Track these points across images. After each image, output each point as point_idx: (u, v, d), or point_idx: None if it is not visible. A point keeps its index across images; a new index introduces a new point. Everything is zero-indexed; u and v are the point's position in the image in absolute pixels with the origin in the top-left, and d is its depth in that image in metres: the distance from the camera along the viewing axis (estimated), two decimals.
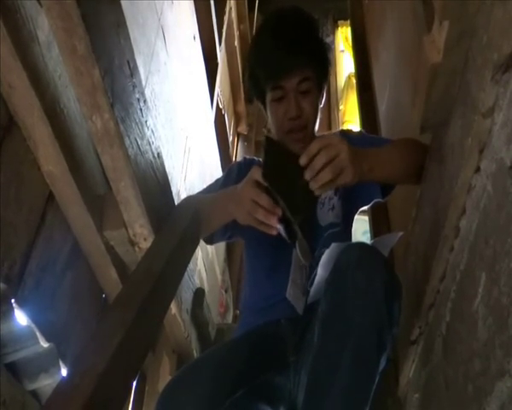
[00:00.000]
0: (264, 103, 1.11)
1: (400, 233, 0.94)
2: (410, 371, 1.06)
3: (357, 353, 0.77)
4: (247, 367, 0.92)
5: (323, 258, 0.91)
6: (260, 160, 1.11)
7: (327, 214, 1.13)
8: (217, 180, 1.24)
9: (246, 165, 1.21)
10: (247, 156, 1.34)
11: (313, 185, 0.83)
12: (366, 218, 1.91)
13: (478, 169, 0.71)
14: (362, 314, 0.78)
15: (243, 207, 0.89)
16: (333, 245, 0.89)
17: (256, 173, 0.89)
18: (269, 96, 1.06)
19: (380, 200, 1.19)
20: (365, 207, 1.32)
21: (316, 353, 0.81)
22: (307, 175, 0.84)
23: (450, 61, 0.78)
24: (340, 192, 1.14)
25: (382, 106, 1.81)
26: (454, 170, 0.78)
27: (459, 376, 0.73)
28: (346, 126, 3.52)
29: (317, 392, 0.79)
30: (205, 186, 1.25)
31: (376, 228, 1.73)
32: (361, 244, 0.87)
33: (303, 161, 0.84)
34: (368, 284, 0.78)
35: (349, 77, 3.91)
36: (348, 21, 2.59)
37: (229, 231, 1.13)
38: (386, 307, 0.78)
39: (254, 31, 1.21)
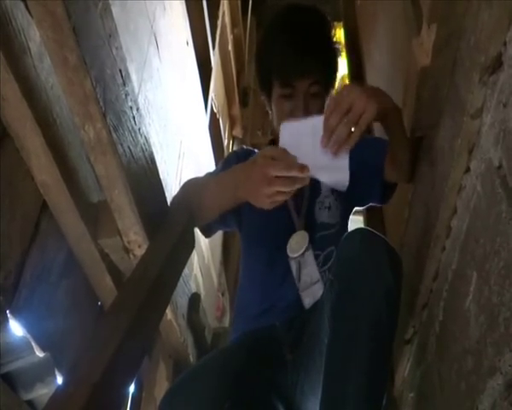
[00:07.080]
0: (268, 95, 1.08)
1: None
2: (405, 370, 1.06)
3: (373, 331, 0.76)
4: (245, 371, 0.91)
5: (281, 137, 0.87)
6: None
7: (322, 212, 1.12)
8: (214, 170, 1.21)
9: (244, 153, 1.20)
10: (244, 146, 1.33)
11: (332, 148, 0.79)
12: (361, 218, 1.91)
13: (468, 169, 0.71)
14: (372, 294, 0.77)
15: (257, 183, 0.83)
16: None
17: (270, 149, 0.84)
18: (277, 91, 1.04)
19: (376, 204, 1.18)
20: (360, 208, 1.31)
21: (330, 342, 0.80)
22: (322, 143, 0.80)
23: (438, 63, 0.79)
24: (337, 192, 1.12)
25: None
26: (445, 170, 0.78)
27: (452, 374, 0.74)
28: None
29: (336, 379, 0.77)
30: None
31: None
32: (360, 229, 0.86)
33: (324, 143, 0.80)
34: (375, 268, 0.78)
35: (342, 79, 3.92)
36: (341, 23, 2.60)
37: (228, 219, 1.12)
38: (394, 284, 0.78)
39: (267, 24, 1.15)
